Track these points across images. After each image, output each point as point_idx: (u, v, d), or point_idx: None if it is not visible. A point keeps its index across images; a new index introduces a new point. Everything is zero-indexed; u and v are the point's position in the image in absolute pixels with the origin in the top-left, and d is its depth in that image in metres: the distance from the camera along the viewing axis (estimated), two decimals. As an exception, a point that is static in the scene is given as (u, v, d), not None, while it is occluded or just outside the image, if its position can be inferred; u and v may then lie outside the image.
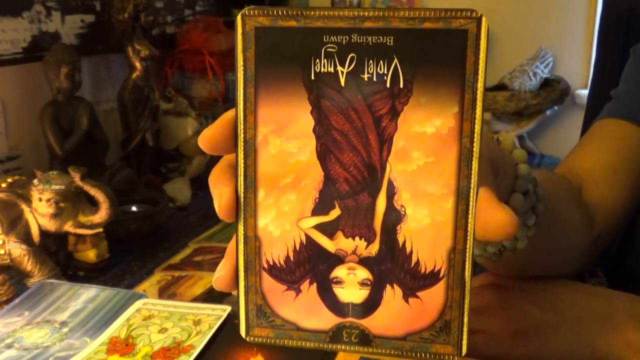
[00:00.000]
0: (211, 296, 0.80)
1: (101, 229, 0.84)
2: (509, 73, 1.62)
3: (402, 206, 0.30)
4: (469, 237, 0.30)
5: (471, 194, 0.29)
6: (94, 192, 0.80)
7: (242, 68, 0.30)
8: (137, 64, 1.15)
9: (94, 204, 0.81)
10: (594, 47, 1.55)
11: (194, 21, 1.45)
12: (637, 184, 0.65)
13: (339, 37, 0.29)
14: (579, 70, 1.69)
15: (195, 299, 0.79)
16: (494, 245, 0.46)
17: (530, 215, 0.46)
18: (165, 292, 0.82)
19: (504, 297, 0.56)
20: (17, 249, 0.78)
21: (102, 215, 0.80)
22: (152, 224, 1.01)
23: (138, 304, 0.67)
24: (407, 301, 0.30)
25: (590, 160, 0.66)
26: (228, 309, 0.65)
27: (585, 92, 1.58)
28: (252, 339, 0.32)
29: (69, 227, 0.80)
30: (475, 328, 0.53)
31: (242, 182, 0.31)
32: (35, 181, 0.79)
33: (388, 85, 0.29)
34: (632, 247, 0.71)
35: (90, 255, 0.89)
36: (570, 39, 1.68)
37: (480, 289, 0.57)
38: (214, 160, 0.33)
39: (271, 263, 0.31)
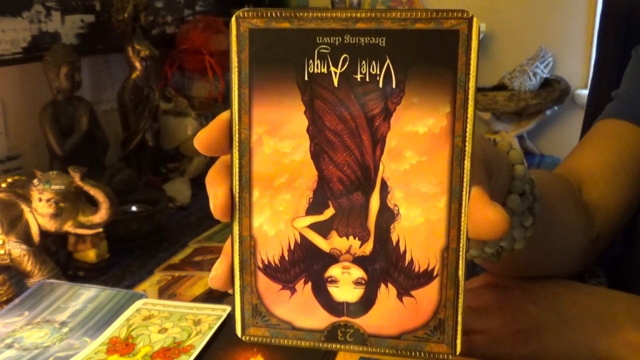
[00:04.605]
0: (211, 296, 0.80)
1: (101, 229, 0.84)
2: (509, 73, 1.62)
3: (395, 205, 0.30)
4: (462, 236, 0.30)
5: (464, 193, 0.29)
6: (94, 192, 0.80)
7: (236, 69, 0.30)
8: (137, 64, 1.15)
9: (94, 204, 0.81)
10: (594, 47, 1.54)
11: (194, 21, 1.45)
12: (637, 184, 0.65)
13: (331, 38, 0.29)
14: (578, 70, 1.68)
15: (195, 299, 0.79)
16: (491, 246, 0.46)
17: (528, 215, 0.46)
18: (165, 292, 0.82)
19: (504, 297, 0.56)
20: (17, 249, 0.78)
21: (102, 215, 0.81)
22: (152, 224, 1.01)
23: (138, 304, 0.67)
24: (401, 300, 0.30)
25: (589, 160, 0.66)
26: (228, 309, 0.65)
27: (585, 92, 1.58)
28: (247, 338, 0.32)
29: (69, 227, 0.80)
30: (475, 328, 0.54)
31: (237, 182, 0.31)
32: (35, 181, 0.79)
33: (380, 85, 0.29)
34: (632, 248, 0.71)
35: (90, 255, 0.89)
36: (570, 39, 1.67)
37: (480, 289, 0.57)
38: (213, 160, 0.33)
39: (266, 262, 0.31)
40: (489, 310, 0.55)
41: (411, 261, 0.30)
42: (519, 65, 1.62)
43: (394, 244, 0.30)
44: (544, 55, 1.62)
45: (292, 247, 0.31)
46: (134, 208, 1.06)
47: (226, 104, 1.38)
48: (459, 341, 0.30)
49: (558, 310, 0.54)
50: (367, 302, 0.31)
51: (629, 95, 0.70)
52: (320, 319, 0.31)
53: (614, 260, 0.75)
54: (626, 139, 0.66)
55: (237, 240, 0.31)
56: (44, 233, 0.79)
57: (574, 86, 1.67)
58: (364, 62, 0.29)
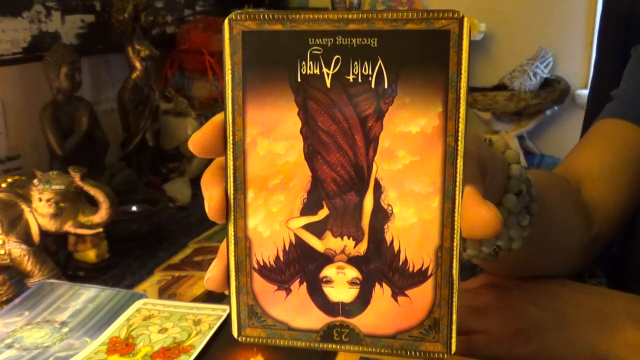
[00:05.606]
0: (211, 296, 0.80)
1: (101, 229, 0.84)
2: (509, 73, 1.62)
3: (389, 205, 0.30)
4: (455, 235, 0.30)
5: (457, 193, 0.30)
6: (94, 192, 0.80)
7: (230, 72, 0.30)
8: (137, 64, 1.15)
9: (94, 204, 0.81)
10: (594, 47, 1.54)
11: (194, 21, 1.45)
12: (636, 184, 0.65)
13: (324, 39, 0.29)
14: (579, 70, 1.68)
15: (196, 299, 0.79)
16: (488, 245, 0.46)
17: (525, 215, 0.46)
18: (165, 292, 0.82)
19: (504, 297, 0.56)
20: (17, 249, 0.78)
21: (102, 215, 0.81)
22: (152, 224, 1.01)
23: (138, 304, 0.67)
24: (396, 300, 0.30)
25: (588, 159, 0.66)
26: (228, 309, 0.65)
27: (585, 92, 1.58)
28: (244, 339, 0.32)
29: (69, 227, 0.80)
30: (474, 328, 0.54)
31: (232, 184, 0.31)
32: (35, 181, 0.79)
33: (373, 86, 0.29)
34: (632, 247, 0.71)
35: (90, 255, 0.89)
36: (570, 39, 1.67)
37: (480, 289, 0.57)
38: (212, 161, 0.33)
39: (261, 263, 0.31)
40: (489, 310, 0.55)
41: (405, 261, 0.30)
42: (519, 65, 1.62)
43: (388, 243, 0.30)
44: (544, 55, 1.62)
45: (287, 247, 0.31)
46: (134, 208, 1.06)
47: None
48: (454, 340, 0.30)
49: (557, 309, 0.54)
50: (362, 302, 0.31)
51: (628, 95, 0.70)
52: (316, 319, 0.31)
53: (614, 260, 0.75)
54: (625, 139, 0.66)
55: (233, 241, 0.31)
56: (44, 233, 0.79)
57: (574, 86, 1.67)
58: (356, 63, 0.29)
